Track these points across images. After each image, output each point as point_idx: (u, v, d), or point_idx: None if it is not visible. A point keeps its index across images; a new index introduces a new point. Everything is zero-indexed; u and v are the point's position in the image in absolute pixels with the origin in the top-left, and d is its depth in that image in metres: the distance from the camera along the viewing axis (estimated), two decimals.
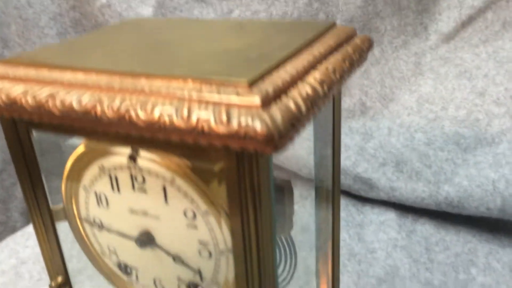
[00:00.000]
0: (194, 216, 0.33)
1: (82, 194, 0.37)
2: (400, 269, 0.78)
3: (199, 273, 0.35)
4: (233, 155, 0.27)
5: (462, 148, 0.90)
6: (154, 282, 0.39)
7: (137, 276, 0.39)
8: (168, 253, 0.36)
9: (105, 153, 0.35)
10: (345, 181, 0.96)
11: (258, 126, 0.24)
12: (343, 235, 0.87)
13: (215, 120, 0.25)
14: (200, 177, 0.32)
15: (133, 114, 0.26)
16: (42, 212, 0.38)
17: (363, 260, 0.81)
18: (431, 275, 0.77)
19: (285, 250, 0.46)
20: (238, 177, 0.28)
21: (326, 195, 0.48)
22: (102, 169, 0.35)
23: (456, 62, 0.97)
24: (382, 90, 1.02)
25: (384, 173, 0.94)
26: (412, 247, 0.84)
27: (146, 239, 0.36)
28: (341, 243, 0.85)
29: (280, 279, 0.47)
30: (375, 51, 1.02)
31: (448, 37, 0.99)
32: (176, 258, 0.35)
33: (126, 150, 0.34)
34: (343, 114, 1.04)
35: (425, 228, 0.88)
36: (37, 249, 0.82)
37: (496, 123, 0.88)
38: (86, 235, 0.40)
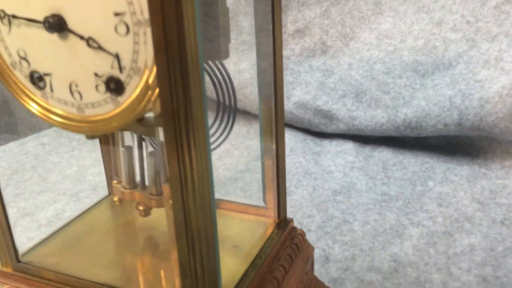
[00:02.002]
0: None
1: None
2: (356, 184, 0.76)
3: (117, 58, 0.33)
4: None
5: (420, 74, 0.89)
6: (70, 88, 0.36)
7: (51, 86, 0.36)
8: (81, 37, 0.33)
9: None
10: (305, 116, 0.95)
11: None
12: (299, 159, 0.84)
13: None
14: None
15: None
16: None
17: (319, 178, 0.78)
18: (388, 188, 0.75)
19: (219, 83, 0.43)
20: None
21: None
22: None
23: None
24: (342, 29, 1.01)
25: (344, 104, 0.92)
26: (370, 167, 0.82)
27: (56, 22, 0.33)
28: (296, 166, 0.82)
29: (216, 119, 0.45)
30: None
31: None
32: (91, 42, 0.33)
33: None
34: (304, 53, 1.03)
35: (383, 154, 0.86)
36: None
37: (453, 48, 0.88)
38: None
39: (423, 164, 0.82)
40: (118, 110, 0.35)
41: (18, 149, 0.96)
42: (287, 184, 0.75)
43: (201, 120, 0.31)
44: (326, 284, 0.53)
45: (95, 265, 0.45)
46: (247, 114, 1.04)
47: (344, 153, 0.87)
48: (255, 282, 0.42)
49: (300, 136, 0.95)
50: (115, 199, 0.49)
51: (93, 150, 0.94)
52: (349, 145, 0.90)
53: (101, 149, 0.54)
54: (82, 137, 1.04)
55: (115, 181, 0.48)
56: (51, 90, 0.37)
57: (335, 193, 0.73)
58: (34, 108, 0.37)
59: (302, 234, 0.52)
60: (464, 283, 0.53)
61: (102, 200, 0.56)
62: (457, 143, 0.88)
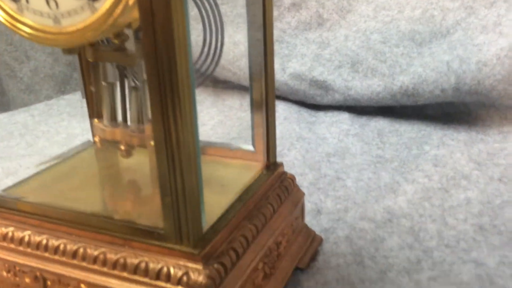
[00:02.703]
0: None
1: None
2: (350, 148, 0.74)
3: None
4: None
5: (417, 43, 0.88)
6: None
7: None
8: None
9: None
10: (300, 87, 0.93)
11: None
12: (293, 126, 0.83)
13: None
14: None
15: None
16: None
17: (313, 142, 0.76)
18: (383, 151, 0.73)
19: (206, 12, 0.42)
20: None
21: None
22: None
23: None
24: (339, 2, 0.99)
25: (340, 75, 0.90)
26: (365, 134, 0.80)
27: None
28: (290, 132, 0.81)
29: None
30: None
31: None
32: None
33: None
34: (300, 26, 1.02)
35: (379, 124, 0.84)
36: None
37: (450, 16, 0.86)
38: None
39: (419, 131, 0.80)
40: (94, 17, 0.34)
41: (7, 119, 0.94)
42: (279, 148, 0.74)
43: (185, 52, 0.30)
44: (318, 233, 0.51)
45: (73, 200, 0.43)
46: (241, 88, 1.02)
47: (339, 122, 0.85)
48: (241, 214, 0.41)
49: (294, 108, 0.93)
50: (96, 139, 0.47)
51: (82, 121, 0.93)
52: (344, 116, 0.88)
53: (84, 89, 0.53)
54: (73, 109, 1.02)
55: (96, 120, 0.46)
56: (27, 1, 0.35)
57: (329, 155, 0.71)
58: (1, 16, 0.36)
59: (292, 178, 0.50)
60: (460, 231, 0.51)
61: (83, 146, 0.54)
62: (454, 112, 0.86)
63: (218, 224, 0.38)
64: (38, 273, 0.39)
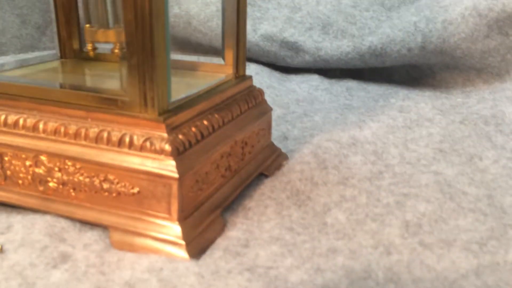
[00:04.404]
0: None
1: None
2: (319, 98, 0.75)
3: None
4: None
5: (386, 8, 0.90)
6: None
7: None
8: None
9: None
10: (271, 48, 0.94)
11: None
12: (264, 79, 0.83)
13: None
14: None
15: None
16: None
17: (283, 92, 0.77)
18: (350, 102, 0.74)
19: None
20: None
21: None
22: None
23: None
24: None
25: (310, 36, 0.91)
26: (334, 89, 0.81)
27: None
28: (260, 82, 0.81)
29: None
30: None
31: None
32: None
33: None
34: None
35: (347, 84, 0.86)
36: None
37: None
38: None
39: (386, 90, 0.82)
40: None
41: None
42: None
43: None
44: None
45: (34, 79, 0.42)
46: (212, 49, 1.02)
47: (309, 81, 0.86)
48: (207, 104, 0.40)
49: (265, 69, 0.93)
50: (89, 47, 0.46)
51: None
52: (314, 77, 0.89)
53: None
54: None
55: (87, 25, 0.45)
56: None
57: (298, 101, 0.72)
58: None
59: (261, 92, 0.50)
60: (421, 153, 0.52)
61: (50, 57, 0.53)
62: (419, 76, 0.88)
63: (184, 104, 0.38)
64: None
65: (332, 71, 0.92)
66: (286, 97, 0.73)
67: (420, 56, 0.81)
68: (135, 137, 0.35)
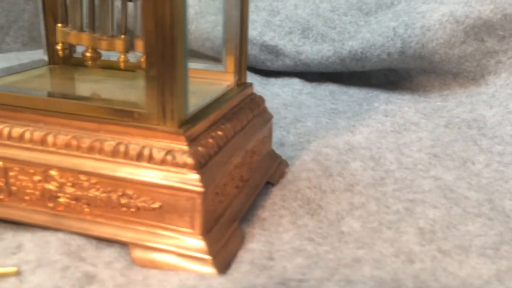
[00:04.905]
0: None
1: None
2: (305, 102, 0.76)
3: None
4: None
5: (364, 13, 0.92)
6: None
7: None
8: None
9: None
10: (251, 51, 0.93)
11: None
12: None
13: None
14: None
15: None
16: None
17: (268, 96, 0.77)
18: (336, 106, 0.75)
19: None
20: None
21: None
22: None
23: None
24: None
25: (290, 40, 0.92)
26: (317, 92, 0.82)
27: None
28: None
29: None
30: None
31: None
32: None
33: None
34: None
35: (329, 87, 0.87)
36: None
37: None
38: None
39: (367, 94, 0.84)
40: None
41: None
42: None
43: None
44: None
45: (37, 89, 0.41)
46: (192, 53, 1.01)
47: (292, 84, 0.87)
48: (218, 113, 0.40)
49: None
50: (59, 47, 0.44)
51: None
52: (295, 80, 0.89)
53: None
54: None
55: (59, 25, 0.43)
56: None
57: (285, 105, 0.72)
58: None
59: (262, 100, 0.50)
60: (416, 158, 0.54)
61: (37, 63, 0.51)
62: (397, 80, 0.90)
63: (197, 115, 0.37)
64: (0, 163, 0.36)
65: (311, 74, 0.93)
66: (273, 102, 0.73)
67: (399, 60, 0.83)
68: (154, 151, 0.34)
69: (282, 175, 0.48)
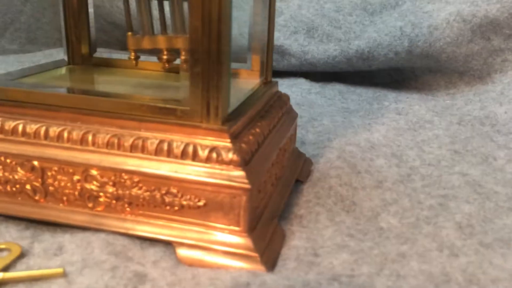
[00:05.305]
0: None
1: None
2: (316, 102, 0.76)
3: None
4: None
5: (369, 13, 0.92)
6: None
7: None
8: None
9: None
10: None
11: None
12: None
13: None
14: None
15: None
16: None
17: None
18: (347, 105, 0.75)
19: None
20: None
21: None
22: None
23: None
24: None
25: (295, 40, 0.92)
26: (326, 92, 0.82)
27: None
28: None
29: None
30: None
31: None
32: None
33: None
34: None
35: (336, 87, 0.87)
36: None
37: None
38: None
39: (375, 93, 0.84)
40: None
41: None
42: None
43: None
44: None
45: (71, 87, 0.40)
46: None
47: (299, 84, 0.87)
48: (253, 111, 0.40)
49: None
50: (132, 56, 0.43)
51: None
52: (302, 80, 0.90)
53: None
54: None
55: (130, 33, 0.42)
56: None
57: (298, 105, 0.72)
58: None
59: (287, 98, 0.50)
60: (438, 154, 0.54)
61: (57, 63, 0.50)
62: (402, 79, 0.91)
63: (235, 113, 0.37)
64: (36, 163, 0.35)
65: (315, 74, 0.93)
66: None
67: (406, 59, 0.84)
68: (199, 148, 0.33)
69: (308, 173, 0.48)
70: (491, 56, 0.81)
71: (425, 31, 0.81)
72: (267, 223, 0.36)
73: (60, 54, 1.09)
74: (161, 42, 0.39)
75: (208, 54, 0.32)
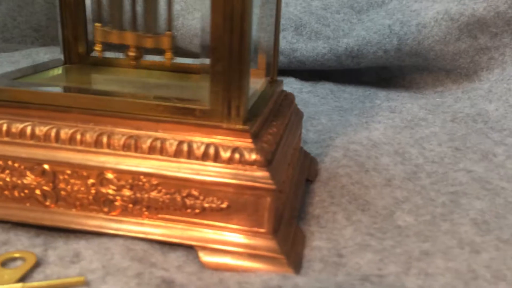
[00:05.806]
0: None
1: None
2: (309, 101, 0.76)
3: None
4: None
5: (356, 11, 0.93)
6: None
7: None
8: None
9: None
10: None
11: None
12: None
13: None
14: None
15: None
16: None
17: None
18: (340, 103, 0.76)
19: None
20: None
21: None
22: None
23: None
24: None
25: (284, 37, 0.92)
26: (318, 91, 0.82)
27: None
28: None
29: None
30: None
31: None
32: None
33: None
34: None
35: (326, 86, 0.87)
36: None
37: None
38: None
39: (365, 91, 0.84)
40: None
41: None
42: None
43: None
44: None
45: (81, 88, 0.38)
46: (179, 50, 0.99)
47: (289, 83, 0.86)
48: (267, 109, 0.39)
49: None
50: (98, 48, 0.42)
51: None
52: (291, 79, 0.89)
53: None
54: None
55: (98, 24, 0.41)
56: None
57: None
58: None
59: (293, 96, 0.49)
60: (440, 152, 0.54)
61: (54, 63, 0.48)
62: (389, 77, 0.92)
63: (252, 112, 0.36)
64: (47, 166, 0.33)
65: (303, 73, 0.93)
66: None
67: (395, 57, 0.85)
68: (221, 149, 0.32)
69: (316, 172, 0.48)
70: (478, 54, 0.83)
71: (414, 29, 0.82)
72: (288, 225, 0.35)
73: (39, 54, 1.06)
74: (130, 38, 0.38)
75: (230, 52, 0.31)
